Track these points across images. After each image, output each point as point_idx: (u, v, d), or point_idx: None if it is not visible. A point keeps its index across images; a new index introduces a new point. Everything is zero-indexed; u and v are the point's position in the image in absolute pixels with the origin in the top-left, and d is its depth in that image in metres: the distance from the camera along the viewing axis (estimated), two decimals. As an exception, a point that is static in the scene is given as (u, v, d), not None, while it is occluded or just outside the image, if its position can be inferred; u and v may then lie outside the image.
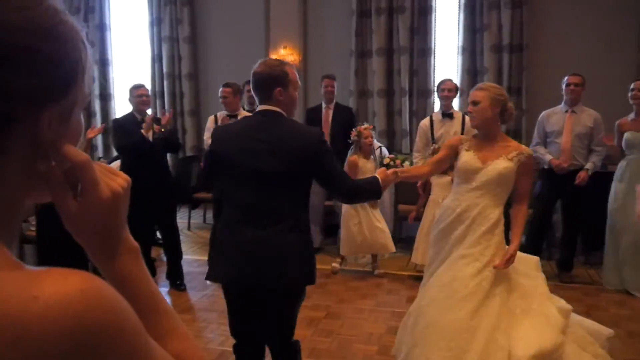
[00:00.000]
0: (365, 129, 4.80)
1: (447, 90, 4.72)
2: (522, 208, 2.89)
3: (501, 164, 2.80)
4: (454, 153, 2.97)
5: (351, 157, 4.91)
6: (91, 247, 0.65)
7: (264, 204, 2.29)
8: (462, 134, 4.70)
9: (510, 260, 2.74)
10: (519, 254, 2.85)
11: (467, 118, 4.76)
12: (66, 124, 0.58)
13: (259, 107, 2.41)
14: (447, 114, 4.77)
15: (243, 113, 4.95)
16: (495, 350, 2.58)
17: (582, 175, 4.58)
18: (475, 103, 2.86)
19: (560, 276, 4.80)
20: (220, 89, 4.84)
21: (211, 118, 4.95)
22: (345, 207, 4.91)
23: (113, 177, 0.64)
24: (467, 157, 2.87)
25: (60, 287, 0.46)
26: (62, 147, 0.58)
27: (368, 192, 2.56)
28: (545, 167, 4.80)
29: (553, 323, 2.68)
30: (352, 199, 2.93)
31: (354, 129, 4.86)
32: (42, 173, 0.58)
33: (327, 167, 2.36)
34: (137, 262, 0.68)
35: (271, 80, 2.32)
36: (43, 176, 0.58)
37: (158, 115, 5.93)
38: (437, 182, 4.75)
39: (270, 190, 2.29)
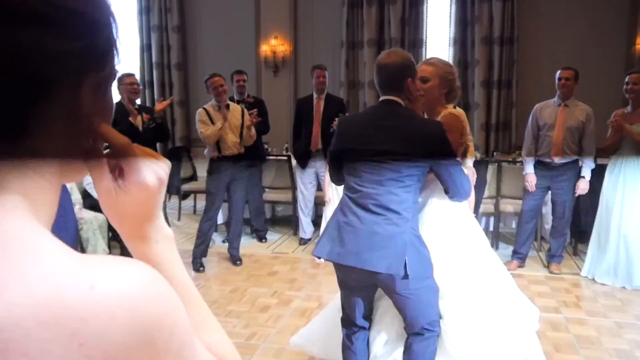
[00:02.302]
0: None
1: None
2: None
3: None
4: None
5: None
6: (129, 232, 0.63)
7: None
8: None
9: None
10: None
11: None
12: (103, 99, 0.56)
13: (382, 97, 2.34)
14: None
15: (232, 104, 4.90)
16: None
17: (582, 186, 4.63)
18: (424, 80, 2.51)
19: (550, 267, 4.84)
20: (216, 78, 4.71)
21: (202, 111, 4.76)
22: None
23: (155, 160, 0.61)
24: None
25: (117, 276, 0.44)
26: (100, 127, 0.55)
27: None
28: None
29: None
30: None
31: (335, 119, 4.77)
32: (84, 151, 0.55)
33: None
34: (172, 250, 0.65)
35: (405, 70, 2.29)
36: (85, 155, 0.56)
37: (148, 105, 5.90)
38: None
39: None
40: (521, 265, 4.89)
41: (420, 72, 2.48)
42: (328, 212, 4.83)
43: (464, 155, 2.58)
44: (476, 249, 2.51)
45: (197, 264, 4.81)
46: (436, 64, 2.53)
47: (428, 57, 6.47)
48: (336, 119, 4.75)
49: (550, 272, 4.76)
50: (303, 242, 5.60)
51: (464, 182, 2.34)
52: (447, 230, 2.45)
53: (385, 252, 2.20)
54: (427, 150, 2.22)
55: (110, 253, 4.76)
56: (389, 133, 2.26)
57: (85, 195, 4.78)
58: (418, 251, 2.26)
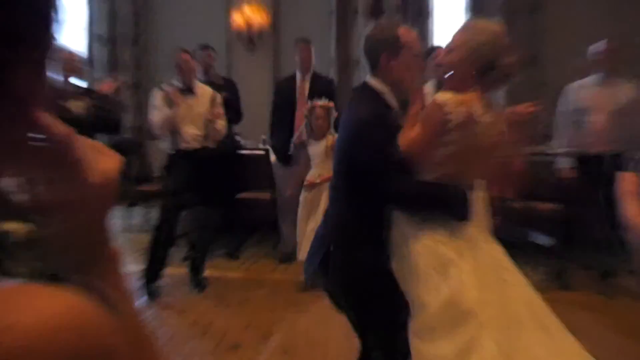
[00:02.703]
0: (321, 106, 4.26)
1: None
2: None
3: None
4: None
5: None
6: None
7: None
8: None
9: None
10: None
11: None
12: (40, 80, 0.50)
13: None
14: None
15: (200, 86, 4.48)
16: None
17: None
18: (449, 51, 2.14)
19: (602, 287, 4.17)
20: (181, 54, 4.38)
21: (156, 94, 4.40)
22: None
23: (103, 157, 0.55)
24: None
25: (41, 312, 0.40)
26: (37, 114, 0.49)
27: (439, 201, 2.08)
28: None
29: None
30: (405, 205, 2.13)
31: (308, 101, 4.39)
32: (15, 143, 0.49)
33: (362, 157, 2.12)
34: (117, 272, 0.59)
35: (378, 45, 2.17)
36: (16, 148, 0.50)
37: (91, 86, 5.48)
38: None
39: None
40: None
41: (450, 40, 2.16)
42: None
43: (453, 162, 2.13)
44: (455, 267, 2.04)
45: (150, 289, 4.26)
46: (470, 28, 2.06)
47: (435, 30, 6.36)
48: (309, 101, 4.38)
49: (600, 293, 4.10)
50: (285, 258, 4.83)
51: (399, 194, 2.08)
52: (415, 243, 2.06)
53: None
54: (345, 146, 2.17)
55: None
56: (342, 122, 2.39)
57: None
58: (349, 262, 2.12)
